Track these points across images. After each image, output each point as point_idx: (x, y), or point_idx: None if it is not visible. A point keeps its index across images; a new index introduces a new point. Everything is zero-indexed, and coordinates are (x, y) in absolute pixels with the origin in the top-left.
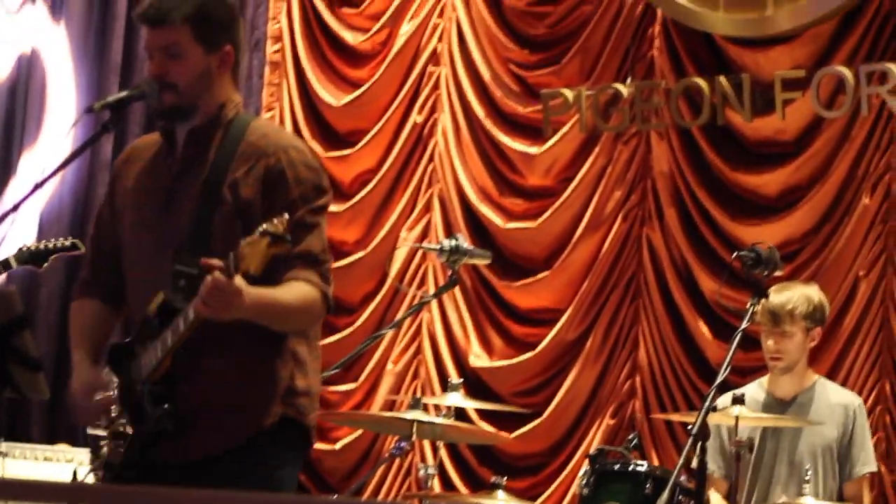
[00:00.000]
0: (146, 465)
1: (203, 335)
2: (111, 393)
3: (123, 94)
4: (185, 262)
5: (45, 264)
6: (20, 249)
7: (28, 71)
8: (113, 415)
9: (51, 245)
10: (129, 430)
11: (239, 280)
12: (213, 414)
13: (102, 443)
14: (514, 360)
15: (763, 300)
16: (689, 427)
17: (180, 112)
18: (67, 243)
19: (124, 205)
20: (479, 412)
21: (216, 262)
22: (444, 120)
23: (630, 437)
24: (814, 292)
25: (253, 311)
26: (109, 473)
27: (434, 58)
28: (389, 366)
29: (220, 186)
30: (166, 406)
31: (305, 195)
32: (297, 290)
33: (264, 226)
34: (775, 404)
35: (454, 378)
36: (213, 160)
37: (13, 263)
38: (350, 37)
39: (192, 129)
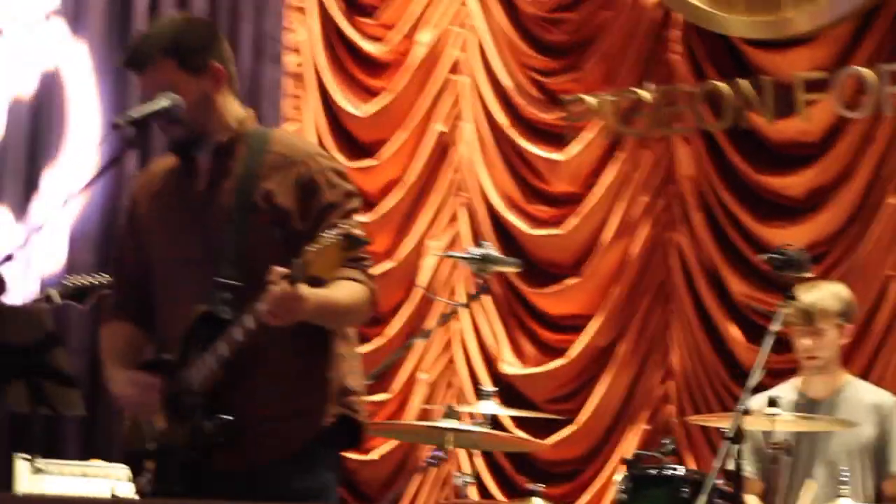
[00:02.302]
0: (196, 477)
1: (251, 344)
2: (157, 383)
3: (148, 109)
4: (226, 274)
5: (88, 301)
6: (63, 284)
7: (50, 87)
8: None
9: (95, 282)
10: (150, 465)
11: (302, 287)
12: (272, 421)
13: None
14: (547, 367)
15: (793, 301)
16: (724, 430)
17: (192, 142)
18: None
19: (150, 227)
20: (514, 419)
21: (281, 270)
22: (467, 129)
23: (665, 441)
24: (842, 290)
25: (314, 314)
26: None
27: (454, 67)
28: (422, 375)
29: (251, 196)
30: (224, 416)
31: (339, 199)
32: (349, 289)
33: (338, 228)
34: (808, 405)
35: (487, 386)
36: (241, 172)
37: (57, 298)
38: (369, 46)
39: (216, 147)
